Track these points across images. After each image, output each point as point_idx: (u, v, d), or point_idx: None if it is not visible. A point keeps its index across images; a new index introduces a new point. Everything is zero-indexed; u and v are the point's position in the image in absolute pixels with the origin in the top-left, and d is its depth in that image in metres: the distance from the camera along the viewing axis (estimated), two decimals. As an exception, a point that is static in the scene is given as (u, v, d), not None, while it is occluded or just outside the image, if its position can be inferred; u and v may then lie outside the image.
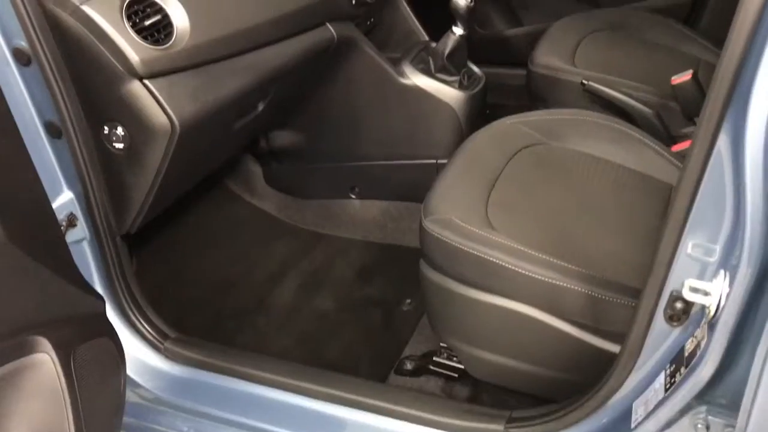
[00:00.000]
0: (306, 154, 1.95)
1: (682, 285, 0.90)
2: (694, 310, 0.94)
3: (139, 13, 1.21)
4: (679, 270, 0.92)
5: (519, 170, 1.46)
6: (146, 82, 1.21)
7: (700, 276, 0.91)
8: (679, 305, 0.93)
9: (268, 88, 1.48)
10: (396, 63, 1.77)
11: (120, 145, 1.29)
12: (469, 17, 1.69)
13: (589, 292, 1.17)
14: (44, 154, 1.27)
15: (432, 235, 1.28)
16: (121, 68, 1.19)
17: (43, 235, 1.06)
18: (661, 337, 0.98)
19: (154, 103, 1.22)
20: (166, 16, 1.24)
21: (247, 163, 2.07)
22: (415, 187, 1.88)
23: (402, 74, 1.74)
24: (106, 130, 1.28)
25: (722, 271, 0.87)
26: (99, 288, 1.37)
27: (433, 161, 1.81)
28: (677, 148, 1.62)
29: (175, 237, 1.90)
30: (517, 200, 1.39)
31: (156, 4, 1.24)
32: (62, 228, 1.28)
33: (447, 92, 1.73)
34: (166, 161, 1.29)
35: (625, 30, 2.10)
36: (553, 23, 2.27)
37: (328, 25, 1.58)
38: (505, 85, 2.36)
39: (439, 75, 1.75)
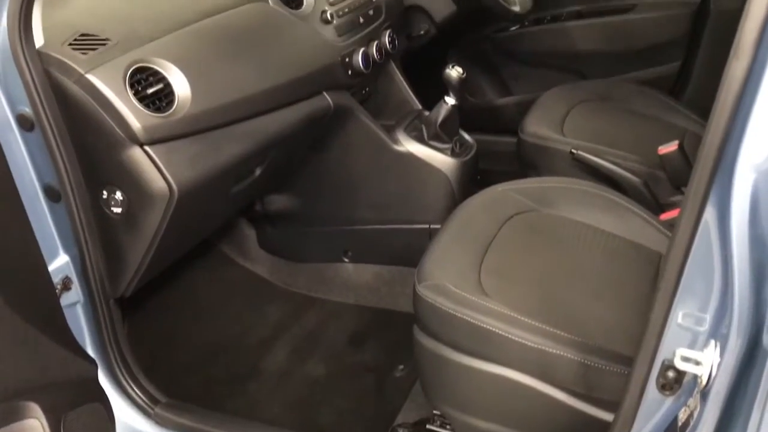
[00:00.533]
0: (301, 218, 1.97)
1: (674, 354, 0.91)
2: (686, 379, 0.94)
3: (142, 81, 1.25)
4: (671, 339, 0.93)
5: (511, 237, 1.48)
6: (146, 148, 1.24)
7: (691, 345, 0.92)
8: (671, 374, 0.93)
9: (266, 153, 1.51)
10: (390, 130, 1.81)
11: (118, 210, 1.30)
12: (461, 87, 1.74)
13: (582, 360, 1.17)
14: (42, 218, 1.28)
15: (425, 300, 1.29)
16: (122, 134, 1.22)
17: (39, 300, 1.06)
18: (654, 406, 0.98)
19: (154, 169, 1.25)
20: (168, 85, 1.28)
21: (241, 226, 2.09)
22: (408, 252, 1.90)
23: (396, 141, 1.78)
24: (105, 194, 1.30)
25: (713, 341, 0.88)
26: (91, 351, 1.36)
27: (426, 226, 1.84)
28: (666, 216, 1.65)
29: (167, 300, 1.90)
30: (510, 267, 1.40)
31: (159, 73, 1.27)
32: (57, 291, 1.28)
33: (440, 159, 1.77)
34: (163, 226, 1.31)
35: (613, 101, 2.16)
36: (542, 93, 2.34)
37: (325, 94, 1.63)
38: (496, 152, 2.41)
39: (431, 142, 1.79)
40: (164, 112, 1.26)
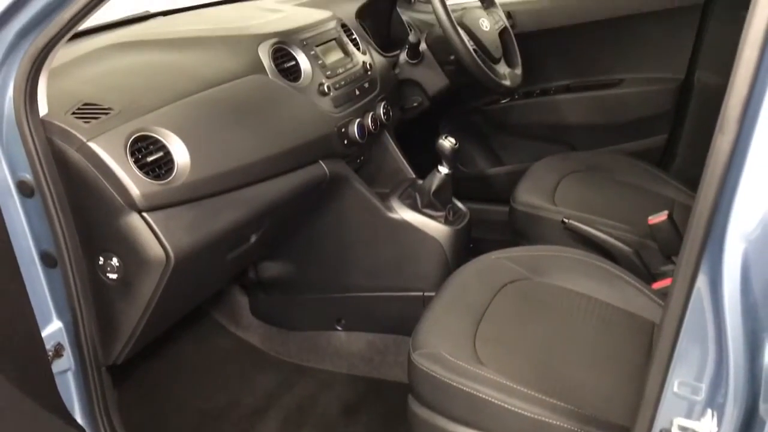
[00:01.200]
0: (294, 285, 1.97)
1: (671, 424, 0.91)
2: (683, 449, 0.93)
3: (143, 149, 1.27)
4: (667, 408, 0.92)
5: (505, 305, 1.49)
6: (145, 214, 1.25)
7: (688, 415, 0.91)
8: (670, 444, 0.93)
9: (262, 221, 1.52)
10: (384, 198, 1.83)
11: (114, 276, 1.31)
12: (454, 157, 1.77)
13: (578, 430, 1.16)
14: (37, 284, 1.28)
15: (421, 369, 1.29)
16: (121, 201, 1.23)
17: (31, 367, 1.06)
18: (654, 478, 0.97)
19: (151, 236, 1.26)
20: (168, 153, 1.30)
21: (233, 293, 2.09)
22: (401, 320, 1.90)
23: (390, 209, 1.80)
24: (101, 260, 1.30)
25: (710, 410, 0.88)
26: (80, 418, 1.34)
27: (420, 294, 1.84)
28: (658, 285, 1.67)
29: (158, 367, 1.88)
30: (505, 335, 1.40)
31: (159, 141, 1.30)
32: (49, 358, 1.27)
33: (433, 227, 1.79)
34: (158, 293, 1.30)
35: (602, 171, 2.20)
36: (532, 163, 2.39)
37: (321, 162, 1.65)
38: (488, 221, 2.44)
39: (425, 210, 1.82)
40: (163, 179, 1.28)
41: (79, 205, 1.25)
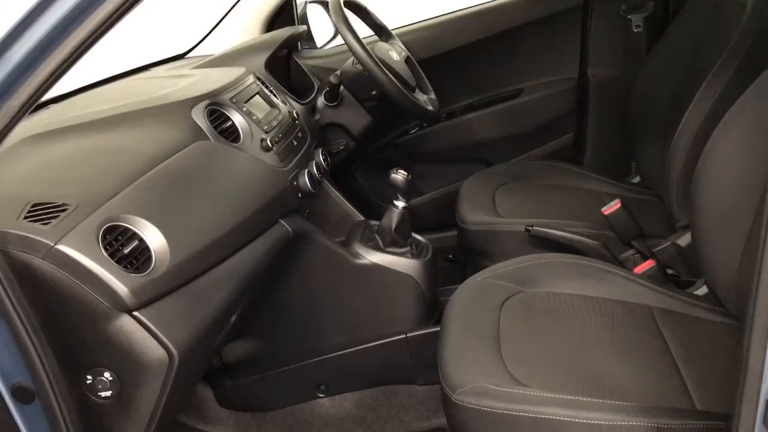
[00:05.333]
0: (264, 361, 1.81)
1: (784, 387, 0.89)
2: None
3: (113, 243, 1.11)
4: (772, 374, 0.91)
5: (513, 323, 1.44)
6: (136, 313, 1.09)
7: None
8: (781, 409, 0.91)
9: (243, 297, 1.38)
10: (345, 246, 1.74)
11: (107, 393, 1.12)
12: (409, 189, 1.72)
13: (654, 425, 1.12)
14: (11, 426, 1.07)
15: (471, 408, 1.20)
16: (107, 305, 1.06)
17: None
18: (766, 448, 0.95)
19: (148, 336, 1.09)
20: (142, 241, 1.14)
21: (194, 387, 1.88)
22: (388, 369, 1.80)
23: (356, 255, 1.71)
24: (90, 379, 1.11)
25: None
26: None
27: (403, 336, 1.75)
28: (640, 269, 1.70)
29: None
30: (529, 352, 1.35)
31: (129, 230, 1.14)
32: None
33: (404, 264, 1.72)
34: (163, 399, 1.13)
35: (527, 179, 2.24)
36: (452, 187, 2.39)
37: (282, 221, 1.54)
38: None
39: (390, 249, 1.74)
40: (144, 270, 1.12)
41: (55, 321, 1.06)
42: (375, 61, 1.79)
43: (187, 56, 2.32)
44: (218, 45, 2.27)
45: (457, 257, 2.38)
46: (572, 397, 1.18)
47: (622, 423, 1.13)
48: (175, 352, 1.11)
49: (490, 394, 1.20)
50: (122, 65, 2.09)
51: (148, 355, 1.09)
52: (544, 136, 2.48)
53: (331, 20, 2.56)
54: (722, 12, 1.88)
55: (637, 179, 2.32)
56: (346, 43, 1.79)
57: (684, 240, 1.80)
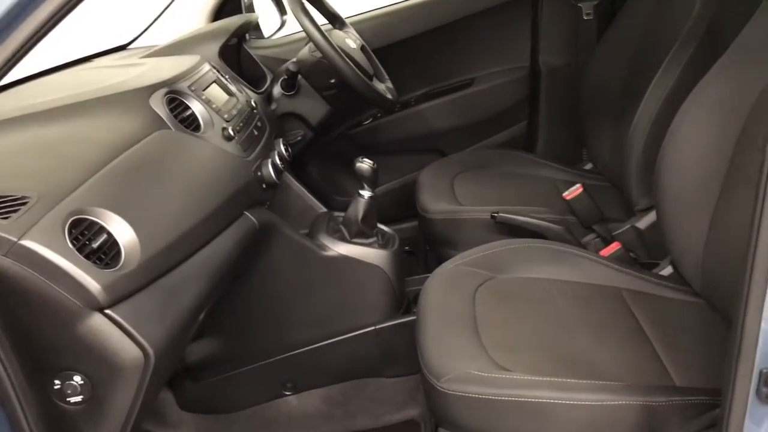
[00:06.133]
0: (228, 361, 1.75)
1: (780, 359, 0.90)
2: (788, 380, 0.93)
3: (80, 237, 1.04)
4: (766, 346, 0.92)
5: (489, 309, 1.43)
6: (108, 311, 1.02)
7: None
8: (775, 379, 0.92)
9: (213, 292, 1.32)
10: (311, 238, 1.69)
11: (77, 399, 1.05)
12: (375, 178, 1.69)
13: (641, 402, 1.13)
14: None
15: (458, 396, 1.18)
16: (77, 303, 0.99)
17: None
18: (759, 418, 0.96)
19: (122, 335, 1.03)
20: (110, 235, 1.07)
21: (153, 391, 1.80)
22: (357, 363, 1.77)
23: (323, 247, 1.66)
24: (58, 384, 1.04)
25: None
26: None
27: (372, 328, 1.72)
28: (606, 252, 1.72)
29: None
30: (508, 337, 1.34)
31: (97, 223, 1.07)
32: None
33: (372, 254, 1.68)
34: (139, 401, 1.07)
35: (484, 167, 2.24)
36: (407, 178, 2.37)
37: (247, 213, 1.49)
38: None
39: (356, 240, 1.70)
40: (114, 266, 1.05)
41: (19, 323, 0.98)
42: (335, 49, 1.74)
43: (129, 47, 2.22)
44: (163, 35, 2.19)
45: (414, 248, 2.35)
46: (559, 379, 1.17)
47: (612, 403, 1.13)
48: (150, 351, 1.04)
49: (476, 380, 1.19)
50: (61, 57, 1.98)
51: (122, 355, 1.03)
52: (497, 125, 2.48)
53: (277, 10, 2.52)
54: (671, 0, 1.92)
55: (589, 166, 2.36)
56: (304, 30, 1.74)
57: (643, 223, 1.84)
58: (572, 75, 2.35)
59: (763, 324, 0.92)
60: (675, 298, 1.51)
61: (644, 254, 1.83)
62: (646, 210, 1.82)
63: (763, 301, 0.91)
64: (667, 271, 1.63)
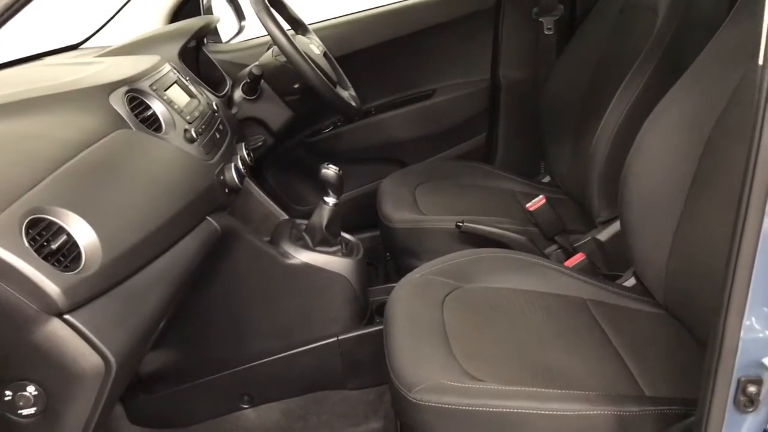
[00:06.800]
0: (184, 373, 1.68)
1: (759, 365, 0.90)
2: (765, 390, 0.94)
3: (38, 238, 0.97)
4: (746, 353, 0.92)
5: (458, 318, 1.41)
6: (67, 317, 0.96)
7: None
8: (752, 389, 0.93)
9: (174, 299, 1.26)
10: (273, 245, 1.65)
11: (30, 411, 0.98)
12: (340, 185, 1.66)
13: (616, 412, 1.12)
14: None
15: (431, 406, 1.15)
16: (34, 307, 0.93)
17: None
18: (735, 426, 0.96)
19: (81, 342, 0.97)
20: (70, 236, 1.01)
21: (102, 405, 1.71)
22: (318, 374, 1.72)
23: (286, 255, 1.62)
24: (9, 395, 0.97)
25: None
26: None
27: (335, 339, 1.68)
28: (571, 263, 1.72)
29: None
30: (478, 347, 1.32)
31: (55, 223, 1.00)
32: None
33: (336, 263, 1.64)
34: (97, 413, 1.00)
35: (444, 178, 2.23)
36: (366, 188, 2.35)
37: (209, 218, 1.43)
38: None
39: (319, 248, 1.67)
40: (74, 268, 0.99)
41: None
42: (300, 53, 1.71)
43: (81, 47, 2.14)
44: (117, 36, 2.12)
45: (373, 259, 2.32)
46: (533, 389, 1.16)
47: (588, 412, 1.12)
48: (112, 359, 0.98)
49: (449, 390, 1.16)
50: (6, 55, 1.89)
51: (81, 363, 0.96)
52: (457, 136, 2.48)
53: (236, 16, 2.47)
54: (631, 17, 1.96)
55: (547, 179, 2.38)
56: (269, 33, 1.70)
57: (604, 235, 1.86)
58: (532, 89, 2.37)
59: (742, 333, 0.92)
60: (638, 309, 1.51)
61: (605, 266, 1.85)
62: (607, 222, 1.84)
63: (744, 309, 0.91)
64: (631, 282, 1.64)
